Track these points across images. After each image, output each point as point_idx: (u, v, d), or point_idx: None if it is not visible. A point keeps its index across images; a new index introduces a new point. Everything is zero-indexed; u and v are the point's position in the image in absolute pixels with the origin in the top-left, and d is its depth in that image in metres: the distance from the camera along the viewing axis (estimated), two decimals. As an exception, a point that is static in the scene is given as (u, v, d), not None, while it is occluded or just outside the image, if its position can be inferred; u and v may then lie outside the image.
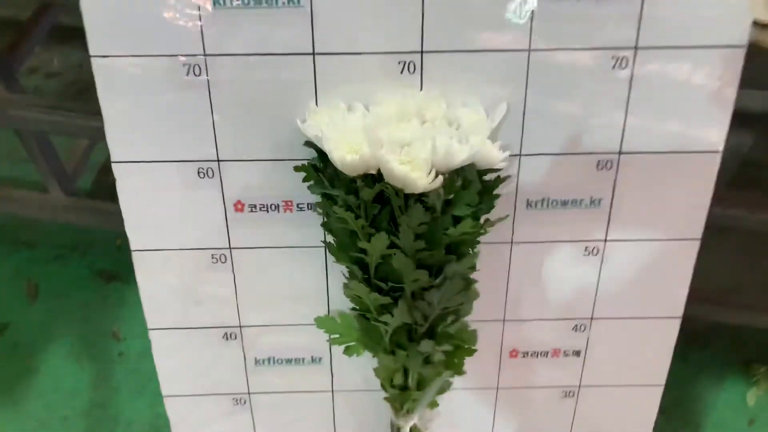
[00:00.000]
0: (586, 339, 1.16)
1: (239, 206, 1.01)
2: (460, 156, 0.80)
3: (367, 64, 0.92)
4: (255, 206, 1.01)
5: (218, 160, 0.98)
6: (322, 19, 0.89)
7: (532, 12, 0.89)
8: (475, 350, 1.03)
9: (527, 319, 1.14)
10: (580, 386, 1.21)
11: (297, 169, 0.93)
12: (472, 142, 0.82)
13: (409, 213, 0.81)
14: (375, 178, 0.82)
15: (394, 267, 0.83)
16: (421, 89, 0.95)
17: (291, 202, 1.02)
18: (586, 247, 1.07)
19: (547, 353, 1.18)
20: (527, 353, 1.18)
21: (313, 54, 0.91)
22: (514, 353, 1.18)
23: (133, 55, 0.90)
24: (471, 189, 0.84)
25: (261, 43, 0.90)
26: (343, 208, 0.85)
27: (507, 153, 0.87)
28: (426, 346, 0.93)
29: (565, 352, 1.18)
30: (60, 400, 1.58)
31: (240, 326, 1.12)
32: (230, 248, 1.05)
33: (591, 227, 1.05)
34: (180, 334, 1.12)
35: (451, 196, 0.84)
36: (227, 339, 1.13)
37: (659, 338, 1.16)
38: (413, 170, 0.78)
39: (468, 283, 0.90)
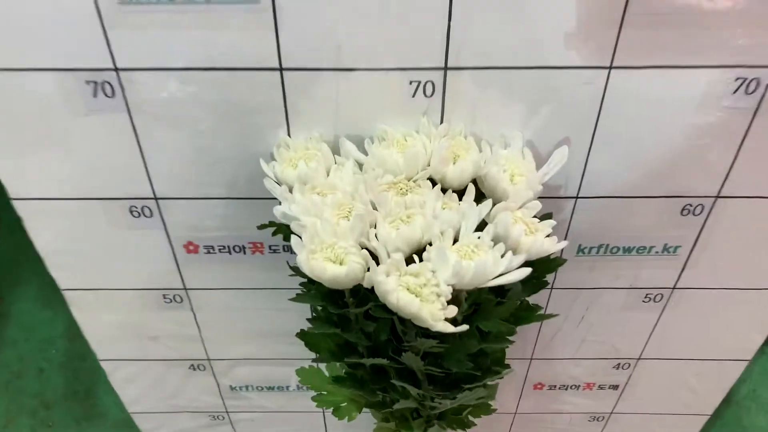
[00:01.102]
0: (628, 376, 0.96)
1: (191, 247, 0.76)
2: (496, 271, 0.53)
3: (363, 83, 0.61)
4: (212, 248, 0.76)
5: (155, 198, 0.70)
6: (291, 21, 0.56)
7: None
8: (493, 410, 0.83)
9: (560, 358, 0.93)
10: (612, 413, 1.04)
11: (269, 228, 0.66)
12: (522, 244, 0.55)
13: (415, 339, 0.57)
14: (369, 292, 0.56)
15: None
16: (441, 120, 0.64)
17: (260, 244, 0.76)
18: (648, 295, 0.83)
19: (578, 386, 0.98)
20: (555, 386, 0.99)
21: (280, 69, 0.60)
22: (539, 386, 0.99)
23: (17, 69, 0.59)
24: (509, 304, 0.59)
25: (197, 53, 0.58)
26: (326, 322, 0.60)
27: (563, 244, 0.59)
28: (436, 429, 0.74)
29: (600, 386, 0.98)
30: (35, 351, 1.47)
31: (208, 359, 0.92)
32: (185, 289, 0.81)
33: (659, 275, 0.80)
34: (137, 365, 0.93)
35: (475, 308, 0.59)
36: (194, 369, 0.94)
37: (719, 376, 0.95)
38: (425, 303, 0.52)
39: (492, 389, 0.68)
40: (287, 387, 0.98)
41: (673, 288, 0.81)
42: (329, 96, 0.62)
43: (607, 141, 0.66)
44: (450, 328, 0.52)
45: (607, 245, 0.76)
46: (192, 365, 0.94)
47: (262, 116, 0.64)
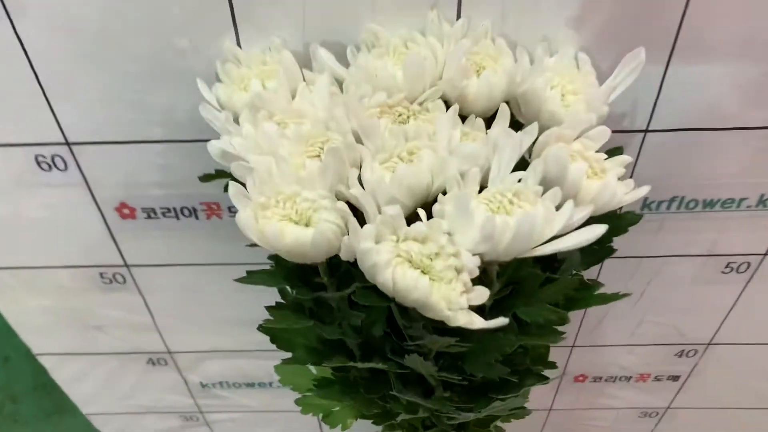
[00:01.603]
0: (693, 365, 0.77)
1: (125, 211, 0.57)
2: (549, 231, 0.34)
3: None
4: (153, 211, 0.57)
5: (67, 143, 0.52)
6: None
7: None
8: (528, 413, 0.64)
9: (609, 345, 0.74)
10: (668, 408, 0.85)
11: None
12: (585, 191, 0.36)
13: (423, 336, 0.38)
14: (353, 267, 0.37)
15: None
16: (458, 16, 0.44)
17: (216, 205, 0.57)
18: (729, 264, 0.63)
19: (629, 378, 0.79)
20: (600, 378, 0.80)
21: (215, -62, 0.40)
22: (580, 378, 0.80)
23: None
24: (563, 281, 0.39)
25: None
26: (294, 311, 0.41)
27: (645, 190, 0.40)
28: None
29: (657, 377, 0.79)
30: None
31: (169, 352, 0.74)
32: (127, 266, 0.63)
33: (748, 238, 0.61)
34: (82, 360, 0.75)
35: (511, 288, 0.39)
36: (154, 364, 0.76)
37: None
38: (437, 284, 0.33)
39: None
40: (270, 383, 0.80)
41: (766, 254, 0.62)
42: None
43: (694, 49, 0.46)
44: (478, 323, 0.33)
45: (682, 198, 0.57)
46: (150, 359, 0.76)
47: (201, 20, 0.44)
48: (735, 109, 0.50)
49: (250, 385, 0.80)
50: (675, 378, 0.80)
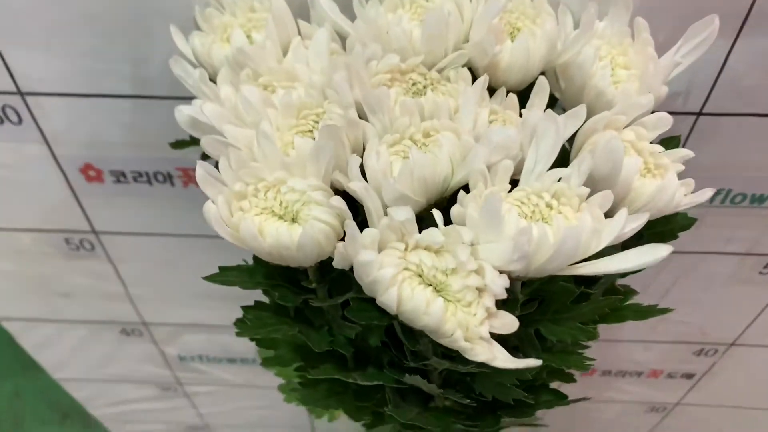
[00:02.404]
0: (711, 364, 0.71)
1: (91, 173, 0.50)
2: (595, 245, 0.27)
3: None
4: (123, 175, 0.50)
5: (20, 93, 0.44)
6: None
7: None
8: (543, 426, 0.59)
9: (625, 340, 0.68)
10: (677, 404, 0.80)
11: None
12: (640, 192, 0.29)
13: (429, 356, 0.31)
14: (345, 275, 0.30)
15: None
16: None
17: (194, 171, 0.49)
18: (770, 264, 0.56)
19: (641, 373, 0.74)
20: (610, 372, 0.74)
21: None
22: (590, 371, 0.74)
23: None
24: (599, 301, 0.32)
25: None
26: (276, 313, 0.34)
27: (709, 193, 0.32)
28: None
29: (670, 374, 0.74)
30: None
31: (144, 323, 0.68)
32: (95, 232, 0.56)
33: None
34: (49, 326, 0.69)
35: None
36: (128, 335, 0.70)
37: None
38: (452, 306, 0.26)
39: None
40: (253, 360, 0.74)
41: (812, 255, 0.55)
42: None
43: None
44: (502, 360, 0.26)
45: (729, 191, 0.50)
46: (124, 330, 0.70)
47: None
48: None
49: (232, 360, 0.75)
50: (689, 376, 0.74)
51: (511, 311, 0.28)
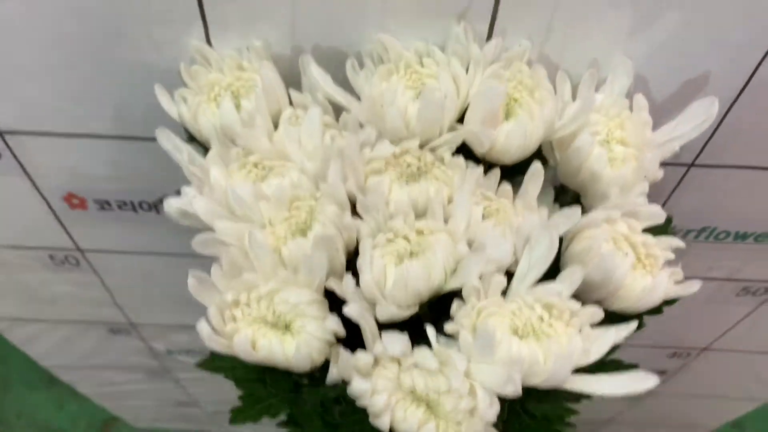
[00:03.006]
0: (683, 364, 0.74)
1: (75, 201, 0.49)
2: (584, 361, 0.27)
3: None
4: (107, 203, 0.49)
5: (-2, 132, 0.42)
6: None
7: None
8: None
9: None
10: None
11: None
12: (630, 291, 0.29)
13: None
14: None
15: None
16: (490, 35, 0.35)
17: (181, 202, 0.49)
18: (746, 288, 0.58)
19: (616, 369, 0.76)
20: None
21: None
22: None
23: None
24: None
25: None
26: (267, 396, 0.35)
27: (697, 285, 0.33)
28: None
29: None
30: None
31: (131, 323, 0.68)
32: (79, 250, 0.55)
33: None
34: (37, 325, 0.69)
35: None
36: (115, 333, 0.71)
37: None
38: (443, 427, 0.27)
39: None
40: (241, 353, 0.75)
41: (788, 282, 0.56)
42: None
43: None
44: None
45: (714, 229, 0.50)
46: (111, 329, 0.70)
47: (159, 8, 0.34)
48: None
49: (220, 353, 0.76)
50: (662, 372, 0.77)
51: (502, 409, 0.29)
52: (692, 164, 0.44)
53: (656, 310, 0.38)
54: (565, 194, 0.38)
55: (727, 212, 0.48)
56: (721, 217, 0.49)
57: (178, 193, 0.34)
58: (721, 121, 0.40)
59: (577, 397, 0.35)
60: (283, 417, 0.41)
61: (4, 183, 0.47)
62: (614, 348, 0.34)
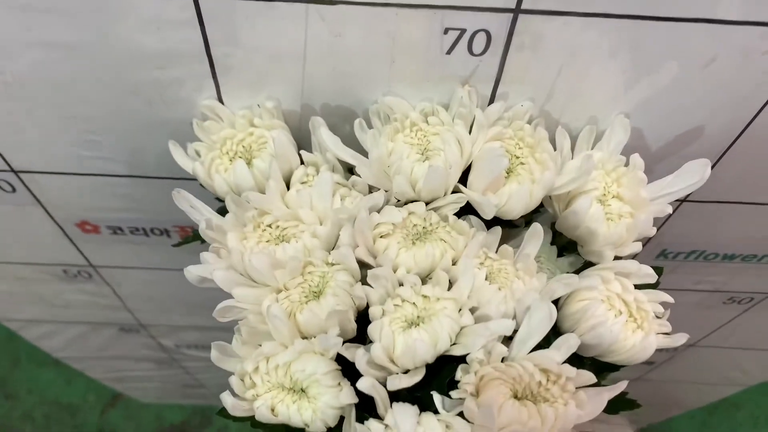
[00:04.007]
0: (670, 356, 0.78)
1: (88, 227, 0.50)
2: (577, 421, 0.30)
3: (353, 22, 0.32)
4: (120, 229, 0.51)
5: (13, 171, 0.44)
6: None
7: None
8: None
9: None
10: (638, 379, 0.87)
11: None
12: (621, 348, 0.31)
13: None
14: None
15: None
16: (493, 96, 0.36)
17: (192, 228, 0.51)
18: (732, 297, 0.61)
19: (607, 361, 0.80)
20: (577, 360, 0.80)
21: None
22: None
23: None
24: None
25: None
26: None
27: (683, 338, 0.35)
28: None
29: (632, 362, 0.80)
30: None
31: (140, 324, 0.71)
32: (92, 266, 0.57)
33: (759, 282, 0.58)
34: (51, 325, 0.72)
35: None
36: (127, 332, 0.74)
37: None
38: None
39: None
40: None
41: (771, 294, 0.59)
42: (293, 38, 0.33)
43: (762, 137, 0.39)
44: None
45: (703, 252, 0.52)
46: (122, 328, 0.73)
47: (170, 67, 0.35)
48: (786, 189, 0.44)
49: (227, 348, 0.79)
50: (650, 363, 0.81)
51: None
52: (685, 200, 0.46)
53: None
54: (562, 236, 0.40)
55: (716, 239, 0.50)
56: (710, 242, 0.51)
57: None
58: (714, 165, 0.42)
59: None
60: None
61: (18, 211, 0.49)
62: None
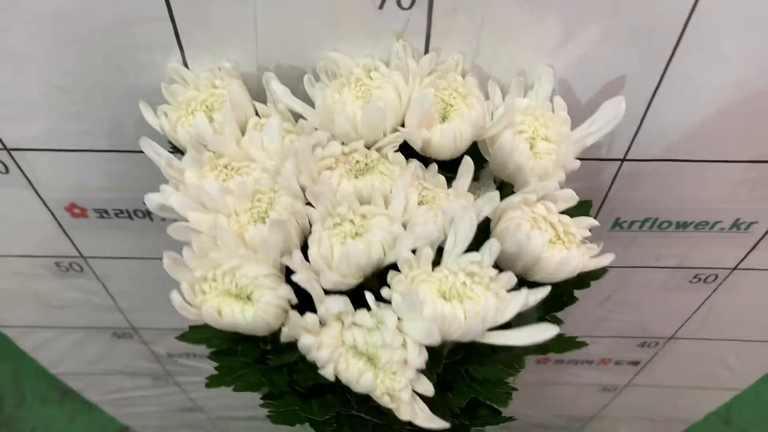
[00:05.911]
0: (654, 354, 0.78)
1: (76, 210, 0.54)
2: (500, 320, 0.32)
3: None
4: (106, 212, 0.55)
5: (6, 149, 0.48)
6: None
7: None
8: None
9: (572, 336, 0.74)
10: (627, 385, 0.87)
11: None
12: (546, 263, 0.34)
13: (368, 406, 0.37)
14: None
15: None
16: (426, 50, 0.40)
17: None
18: (698, 275, 0.63)
19: (592, 362, 0.81)
20: (563, 361, 0.81)
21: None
22: (543, 360, 0.81)
23: None
24: (514, 352, 0.38)
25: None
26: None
27: (610, 258, 0.38)
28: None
29: (617, 362, 0.81)
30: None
31: (133, 327, 0.74)
32: (82, 257, 0.61)
33: (718, 254, 0.60)
34: (47, 332, 0.75)
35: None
36: (119, 337, 0.76)
37: (764, 355, 0.78)
38: (380, 373, 0.32)
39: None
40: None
41: (734, 269, 0.61)
42: (245, 2, 0.38)
43: (685, 79, 0.42)
44: (421, 419, 0.32)
45: (656, 220, 0.55)
46: (115, 333, 0.76)
47: (141, 38, 0.40)
48: (718, 143, 0.47)
49: (217, 356, 0.81)
50: (635, 363, 0.81)
51: (437, 364, 0.35)
52: (624, 159, 0.49)
53: (583, 284, 0.43)
54: (506, 188, 0.43)
55: (664, 203, 0.53)
56: (659, 208, 0.54)
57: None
58: (643, 118, 0.45)
59: (509, 362, 0.40)
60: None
61: (13, 195, 0.53)
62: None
